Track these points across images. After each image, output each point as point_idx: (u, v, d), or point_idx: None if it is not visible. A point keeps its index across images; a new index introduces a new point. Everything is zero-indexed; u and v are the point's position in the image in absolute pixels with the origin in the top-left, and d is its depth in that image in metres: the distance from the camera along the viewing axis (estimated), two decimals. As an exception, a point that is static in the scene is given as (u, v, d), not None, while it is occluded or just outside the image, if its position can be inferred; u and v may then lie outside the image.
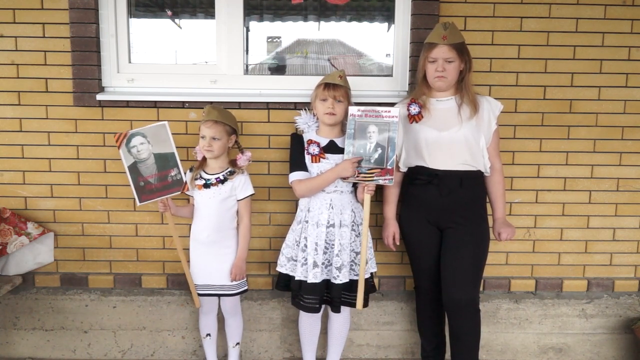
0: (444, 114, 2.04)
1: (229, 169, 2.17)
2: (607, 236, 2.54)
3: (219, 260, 2.15)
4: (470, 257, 2.04)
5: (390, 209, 2.19)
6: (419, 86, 2.10)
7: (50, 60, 2.36)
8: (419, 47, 2.34)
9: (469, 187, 2.04)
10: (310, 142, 2.10)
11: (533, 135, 2.45)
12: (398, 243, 2.20)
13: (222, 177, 2.14)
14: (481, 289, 2.50)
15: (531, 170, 2.47)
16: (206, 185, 2.13)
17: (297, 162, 2.13)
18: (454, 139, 2.01)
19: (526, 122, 2.42)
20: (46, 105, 2.39)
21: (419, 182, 2.06)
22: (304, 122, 2.19)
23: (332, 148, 2.11)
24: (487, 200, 2.17)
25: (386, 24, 2.66)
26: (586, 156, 2.48)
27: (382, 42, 2.68)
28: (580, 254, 2.55)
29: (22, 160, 2.43)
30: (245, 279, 2.22)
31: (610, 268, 2.57)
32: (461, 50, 2.00)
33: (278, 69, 2.87)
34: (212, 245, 2.14)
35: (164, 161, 2.08)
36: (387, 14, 2.60)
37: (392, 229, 2.19)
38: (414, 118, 2.05)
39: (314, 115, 2.19)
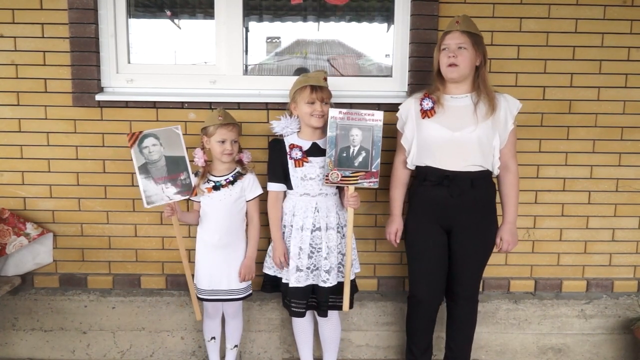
0: (459, 112, 1.97)
1: (237, 170, 2.16)
2: (607, 237, 2.54)
3: (228, 265, 2.15)
4: (480, 259, 2.07)
5: (397, 206, 2.15)
6: (433, 81, 2.04)
7: (50, 60, 2.36)
8: (419, 48, 2.35)
9: (480, 187, 2.00)
10: (293, 146, 2.08)
11: (532, 136, 2.45)
12: (399, 241, 2.17)
13: (231, 178, 2.14)
14: (480, 289, 2.50)
15: (530, 170, 2.47)
16: (216, 188, 2.12)
17: (275, 171, 2.12)
18: (467, 139, 1.94)
19: (525, 123, 2.42)
20: (45, 106, 2.39)
21: (429, 183, 2.01)
22: (283, 126, 2.13)
23: (315, 151, 2.09)
24: (497, 200, 2.13)
25: (385, 24, 2.66)
26: (585, 157, 2.48)
27: (381, 42, 2.68)
28: (580, 255, 2.55)
29: (21, 161, 2.43)
30: (250, 284, 2.22)
31: (610, 268, 2.57)
32: (476, 41, 1.93)
33: (277, 69, 2.87)
34: (224, 248, 2.13)
35: (175, 164, 2.06)
36: (386, 14, 2.60)
37: (396, 226, 2.14)
38: (426, 113, 1.98)
39: (294, 117, 2.13)
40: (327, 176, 2.00)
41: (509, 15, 2.37)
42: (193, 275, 2.20)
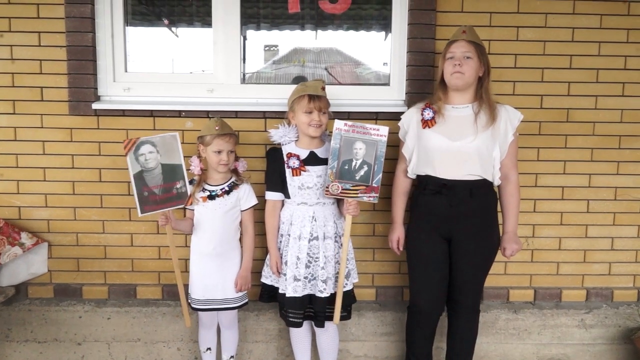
0: (459, 122, 1.98)
1: (233, 179, 2.15)
2: (606, 245, 2.53)
3: (223, 274, 2.13)
4: (480, 268, 2.07)
5: (399, 214, 2.16)
6: (435, 90, 2.06)
7: (46, 69, 2.35)
8: (416, 56, 2.36)
9: (479, 196, 2.00)
10: (290, 155, 2.07)
11: (530, 144, 2.45)
12: (401, 249, 2.17)
13: (227, 188, 2.13)
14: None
15: (529, 179, 2.47)
16: (211, 197, 2.10)
17: (272, 180, 2.12)
18: (466, 149, 1.95)
19: (523, 131, 2.41)
20: (41, 114, 2.38)
21: (428, 192, 2.02)
22: (281, 134, 2.12)
23: (313, 160, 2.09)
24: (498, 209, 2.12)
25: (383, 33, 2.66)
26: (584, 165, 2.48)
27: (379, 51, 2.68)
28: (579, 264, 2.54)
29: (17, 170, 2.41)
30: (245, 293, 2.20)
31: (609, 278, 2.56)
32: (481, 51, 1.97)
33: (275, 77, 2.87)
34: (219, 257, 2.12)
35: (171, 172, 2.01)
36: (384, 22, 2.60)
37: (397, 234, 2.15)
38: (426, 123, 2.01)
39: (292, 125, 2.12)
40: (327, 187, 1.99)
41: (506, 25, 2.37)
42: (185, 285, 2.17)
